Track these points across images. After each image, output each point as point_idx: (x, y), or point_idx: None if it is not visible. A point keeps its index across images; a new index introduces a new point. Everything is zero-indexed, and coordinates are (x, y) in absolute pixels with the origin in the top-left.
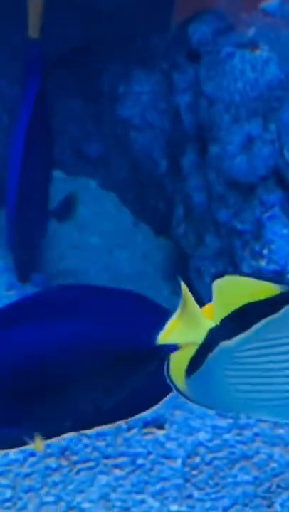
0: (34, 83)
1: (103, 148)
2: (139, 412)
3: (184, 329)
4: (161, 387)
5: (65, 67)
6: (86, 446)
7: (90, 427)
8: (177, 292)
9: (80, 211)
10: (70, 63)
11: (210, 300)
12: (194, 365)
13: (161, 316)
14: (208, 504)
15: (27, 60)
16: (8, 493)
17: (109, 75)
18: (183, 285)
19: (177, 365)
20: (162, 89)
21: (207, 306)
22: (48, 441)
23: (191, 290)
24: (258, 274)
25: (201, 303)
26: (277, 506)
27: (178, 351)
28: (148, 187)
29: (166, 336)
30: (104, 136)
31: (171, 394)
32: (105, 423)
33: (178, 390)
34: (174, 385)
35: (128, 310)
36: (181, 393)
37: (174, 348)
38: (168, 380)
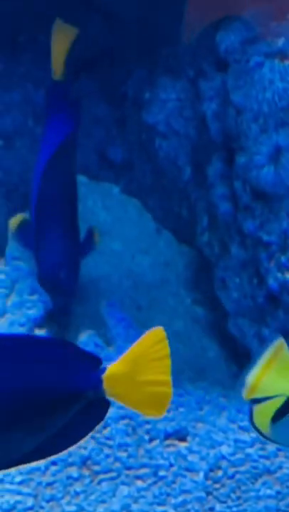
0: (57, 124)
1: (127, 153)
2: (59, 452)
3: (275, 379)
4: (82, 428)
5: (90, 72)
6: (108, 456)
7: (9, 467)
8: (198, 301)
9: (102, 216)
10: (95, 67)
11: None
12: (281, 413)
13: (87, 362)
14: None
15: (50, 101)
16: (29, 502)
17: (135, 81)
18: (280, 340)
19: (263, 412)
20: (188, 97)
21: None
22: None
23: (215, 300)
24: (284, 287)
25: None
26: None
27: (265, 402)
28: (172, 194)
29: (255, 382)
30: (128, 142)
31: (91, 433)
32: (26, 462)
33: (261, 433)
34: (258, 430)
35: (56, 358)
36: (265, 436)
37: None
38: (252, 425)
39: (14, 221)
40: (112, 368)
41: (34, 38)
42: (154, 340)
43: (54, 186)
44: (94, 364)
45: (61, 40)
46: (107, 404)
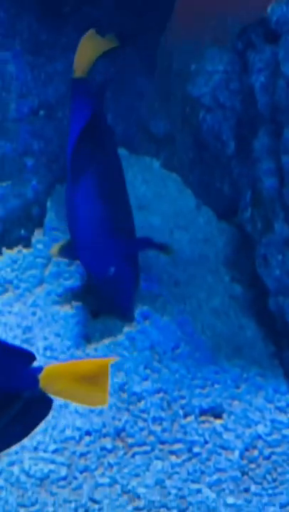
0: (82, 120)
1: (169, 127)
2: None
3: None
4: (25, 426)
5: (133, 45)
6: (142, 429)
7: None
8: (237, 279)
9: (141, 190)
10: (139, 40)
11: None
12: None
13: (20, 359)
14: (265, 499)
15: (74, 97)
16: (63, 472)
17: (181, 53)
18: None
19: None
20: (235, 69)
21: None
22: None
23: (254, 278)
24: None
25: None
26: None
27: None
28: (214, 169)
29: None
30: (171, 115)
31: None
32: None
33: None
34: None
35: None
36: None
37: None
38: None
39: (54, 250)
40: (50, 368)
41: (78, 8)
42: (98, 365)
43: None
44: (27, 360)
45: (90, 50)
46: (49, 401)
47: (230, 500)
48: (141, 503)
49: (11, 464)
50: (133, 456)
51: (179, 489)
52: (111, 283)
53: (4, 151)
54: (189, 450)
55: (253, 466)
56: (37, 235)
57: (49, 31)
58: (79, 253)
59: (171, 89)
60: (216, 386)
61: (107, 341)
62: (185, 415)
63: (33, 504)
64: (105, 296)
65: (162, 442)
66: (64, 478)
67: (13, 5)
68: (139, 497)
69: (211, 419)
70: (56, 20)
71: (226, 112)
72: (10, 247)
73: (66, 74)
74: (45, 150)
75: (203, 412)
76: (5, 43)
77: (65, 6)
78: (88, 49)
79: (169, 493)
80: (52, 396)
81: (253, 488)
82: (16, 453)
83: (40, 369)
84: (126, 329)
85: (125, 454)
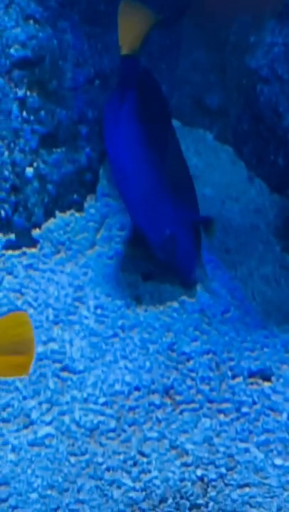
0: (132, 98)
1: (224, 99)
2: None
3: None
4: None
5: (189, 17)
6: (190, 387)
7: None
8: (288, 249)
9: (193, 161)
10: (194, 13)
11: None
12: None
13: None
14: None
15: (123, 74)
16: (112, 424)
17: (239, 25)
18: None
19: None
20: None
21: None
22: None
23: None
24: None
25: None
26: None
27: None
28: (268, 141)
29: None
30: (226, 88)
31: None
32: None
33: None
34: None
35: None
36: None
37: None
38: None
39: None
40: None
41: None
42: (16, 322)
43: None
44: None
45: (136, 25)
46: None
47: (278, 461)
48: (189, 459)
49: (62, 413)
50: (181, 412)
51: (227, 447)
52: (169, 246)
53: (60, 118)
54: (237, 410)
55: None
56: (89, 200)
57: (106, 1)
58: (131, 213)
59: (227, 62)
60: (266, 350)
61: (157, 303)
62: (233, 376)
63: (82, 454)
64: (163, 259)
65: (210, 401)
66: (113, 430)
67: None
68: (187, 453)
69: (260, 381)
70: None
71: (283, 85)
72: (63, 210)
73: None
74: (99, 119)
75: (251, 374)
76: (63, 12)
77: None
78: (133, 23)
79: (217, 451)
80: None
81: None
82: (67, 403)
83: None
84: (176, 292)
85: (173, 410)
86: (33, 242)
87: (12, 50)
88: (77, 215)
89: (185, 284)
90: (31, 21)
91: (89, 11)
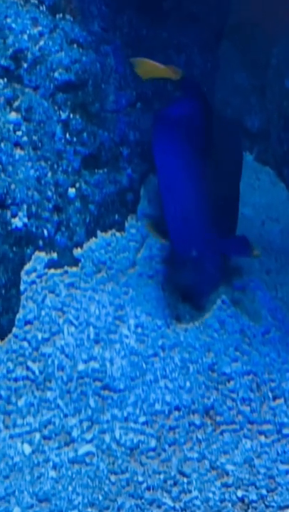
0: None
1: (264, 121)
2: None
3: None
4: None
5: (231, 40)
6: (231, 408)
7: None
8: None
9: None
10: (237, 36)
11: None
12: None
13: None
14: None
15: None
16: (152, 443)
17: (281, 49)
18: None
19: None
20: None
21: None
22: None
23: None
24: None
25: None
26: None
27: None
28: None
29: None
30: (266, 110)
31: None
32: None
33: None
34: None
35: None
36: None
37: None
38: None
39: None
40: None
41: (178, 3)
42: None
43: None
44: None
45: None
46: None
47: None
48: (229, 480)
49: (102, 431)
50: (221, 433)
51: (268, 469)
52: (192, 266)
53: (102, 140)
54: (278, 431)
55: None
56: (130, 221)
57: (149, 26)
58: (167, 224)
59: (268, 84)
60: None
61: (197, 323)
62: (274, 398)
63: (123, 472)
64: (184, 276)
65: (251, 422)
66: (153, 450)
67: (115, 0)
68: (227, 474)
69: None
70: (156, 16)
71: None
72: (104, 230)
73: None
74: (141, 140)
75: None
76: (106, 37)
77: (165, 1)
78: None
79: (258, 472)
80: None
81: None
82: (107, 421)
83: None
84: (217, 312)
85: (214, 430)
86: (74, 261)
87: (56, 74)
88: (118, 234)
89: (194, 304)
90: (75, 45)
91: (131, 36)
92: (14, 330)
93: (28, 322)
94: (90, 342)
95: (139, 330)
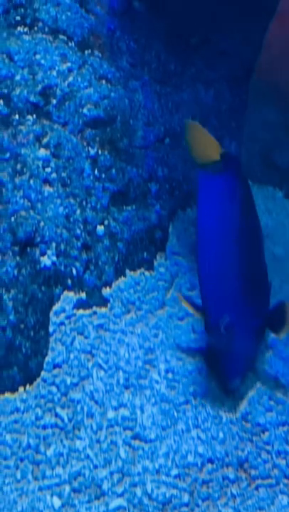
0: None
1: None
2: None
3: None
4: None
5: (258, 76)
6: (265, 461)
7: None
8: None
9: (264, 220)
10: (267, 72)
11: None
12: None
13: None
14: None
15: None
16: (185, 498)
17: None
18: None
19: None
20: None
21: None
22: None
23: None
24: None
25: None
26: None
27: None
28: None
29: None
30: None
31: None
32: None
33: None
34: None
35: None
36: None
37: None
38: None
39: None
40: None
41: (206, 39)
42: None
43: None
44: None
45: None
46: None
47: None
48: None
49: (134, 484)
50: (256, 488)
51: None
52: (223, 334)
53: (130, 176)
54: None
55: None
56: (159, 259)
57: (177, 61)
58: (202, 284)
59: None
60: None
61: None
62: None
63: None
64: (216, 349)
65: (287, 477)
66: (186, 505)
67: (142, 35)
68: None
69: None
70: (184, 51)
71: None
72: (133, 268)
73: (193, 103)
74: (169, 177)
75: None
76: (134, 72)
77: (193, 36)
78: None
79: None
80: None
81: None
82: (139, 474)
83: None
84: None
85: (248, 485)
86: (103, 301)
87: (85, 110)
88: (147, 273)
89: (225, 386)
90: (104, 81)
91: (159, 71)
92: (43, 373)
93: (56, 365)
94: (119, 387)
95: (170, 375)
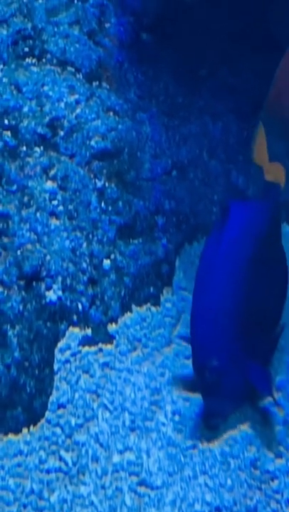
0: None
1: None
2: None
3: None
4: None
5: (267, 110)
6: (275, 511)
7: None
8: None
9: None
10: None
11: None
12: None
13: None
14: None
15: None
16: None
17: None
18: None
19: None
20: None
21: None
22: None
23: None
24: None
25: None
26: None
27: None
28: None
29: None
30: None
31: None
32: None
33: None
34: None
35: None
36: None
37: None
38: None
39: None
40: None
41: (215, 71)
42: None
43: None
44: None
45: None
46: None
47: None
48: None
49: None
50: None
51: None
52: (209, 375)
53: (137, 209)
54: None
55: None
56: (166, 294)
57: (185, 94)
58: (193, 321)
59: None
60: None
61: (237, 413)
62: None
63: None
64: (201, 387)
65: None
66: None
67: (150, 67)
68: None
69: None
70: (192, 84)
71: None
72: (139, 304)
73: (200, 136)
74: (176, 210)
75: None
76: (142, 104)
77: (201, 69)
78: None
79: None
80: None
81: None
82: None
83: None
84: (259, 402)
85: None
86: (109, 338)
87: (92, 142)
88: (153, 309)
89: (205, 421)
90: (111, 113)
91: (167, 103)
92: (47, 414)
93: (61, 405)
94: (125, 430)
95: (177, 418)
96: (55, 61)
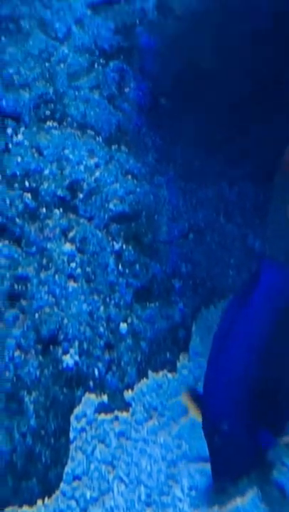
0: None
1: None
2: None
3: None
4: None
5: (281, 174)
6: None
7: None
8: None
9: None
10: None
11: None
12: None
13: None
14: None
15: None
16: None
17: None
18: None
19: None
20: None
21: None
22: None
23: None
24: None
25: None
26: None
27: None
28: None
29: None
30: None
31: None
32: None
33: None
34: None
35: None
36: None
37: None
38: None
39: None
40: None
41: (231, 137)
42: None
43: None
44: None
45: None
46: None
47: None
48: None
49: None
50: None
51: None
52: (219, 439)
53: (154, 272)
54: None
55: None
56: (182, 360)
57: (202, 159)
58: (206, 384)
59: None
60: None
61: (255, 487)
62: None
63: None
64: (210, 449)
65: None
66: None
67: (168, 132)
68: None
69: None
70: (209, 149)
71: None
72: (155, 370)
73: (216, 200)
74: (193, 273)
75: None
76: (159, 168)
77: (218, 135)
78: None
79: None
80: None
81: None
82: None
83: None
84: (275, 475)
85: None
86: (125, 406)
87: (111, 205)
88: (169, 375)
89: (214, 482)
90: (129, 177)
91: (184, 167)
92: (62, 485)
93: (76, 477)
94: (141, 504)
95: (193, 493)
96: (75, 125)
